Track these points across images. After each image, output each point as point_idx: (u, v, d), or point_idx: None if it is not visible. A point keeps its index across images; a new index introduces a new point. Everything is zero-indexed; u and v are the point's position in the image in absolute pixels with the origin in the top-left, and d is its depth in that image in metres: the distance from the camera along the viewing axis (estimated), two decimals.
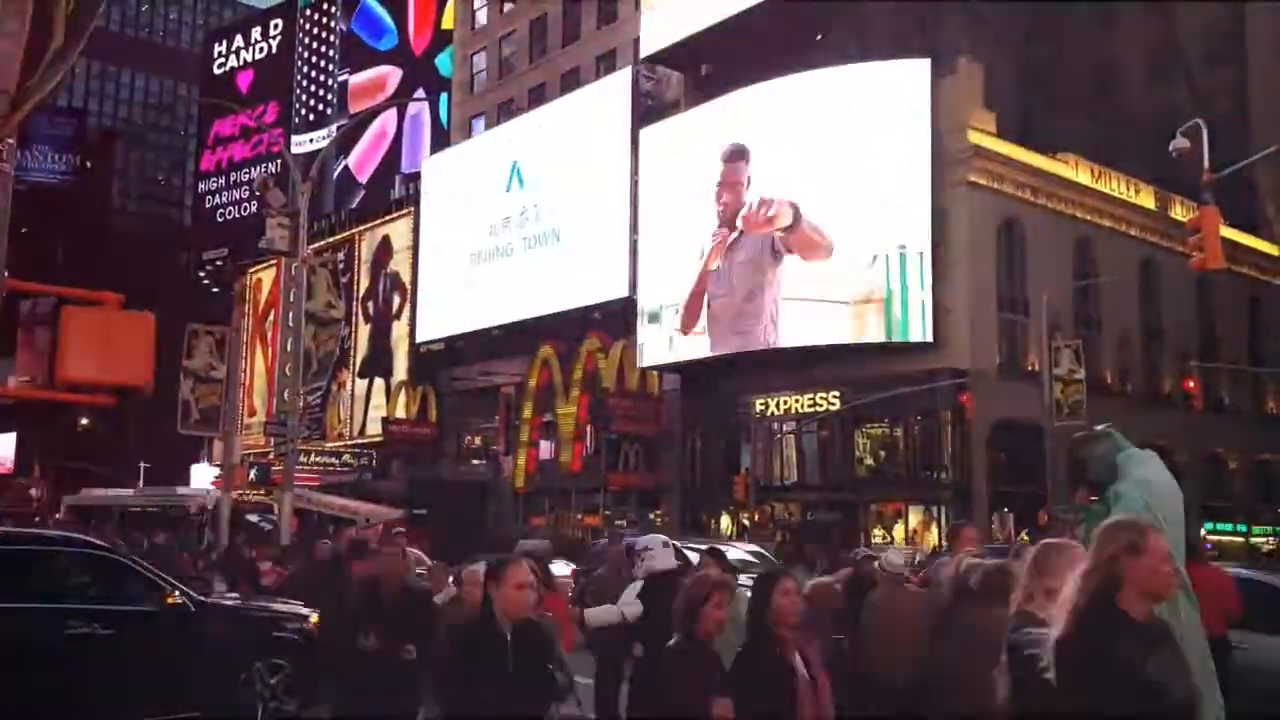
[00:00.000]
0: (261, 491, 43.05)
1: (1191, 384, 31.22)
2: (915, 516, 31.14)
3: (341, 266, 52.39)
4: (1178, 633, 4.88)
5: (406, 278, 48.48)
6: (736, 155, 32.95)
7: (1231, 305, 38.12)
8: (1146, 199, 35.90)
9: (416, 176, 50.20)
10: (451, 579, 8.24)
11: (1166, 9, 40.48)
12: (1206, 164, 17.03)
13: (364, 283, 51.27)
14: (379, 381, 49.34)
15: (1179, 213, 34.48)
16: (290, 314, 22.93)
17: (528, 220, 41.60)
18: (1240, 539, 36.02)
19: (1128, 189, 35.41)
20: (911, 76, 30.60)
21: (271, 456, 38.48)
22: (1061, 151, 33.95)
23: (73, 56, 4.67)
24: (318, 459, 44.26)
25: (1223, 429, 36.21)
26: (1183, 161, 19.73)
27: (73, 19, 4.59)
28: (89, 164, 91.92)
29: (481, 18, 50.82)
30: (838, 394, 31.42)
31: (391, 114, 55.05)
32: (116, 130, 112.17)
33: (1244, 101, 40.87)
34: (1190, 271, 18.99)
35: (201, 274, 66.86)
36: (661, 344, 35.27)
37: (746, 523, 32.06)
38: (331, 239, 52.38)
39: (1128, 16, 42.43)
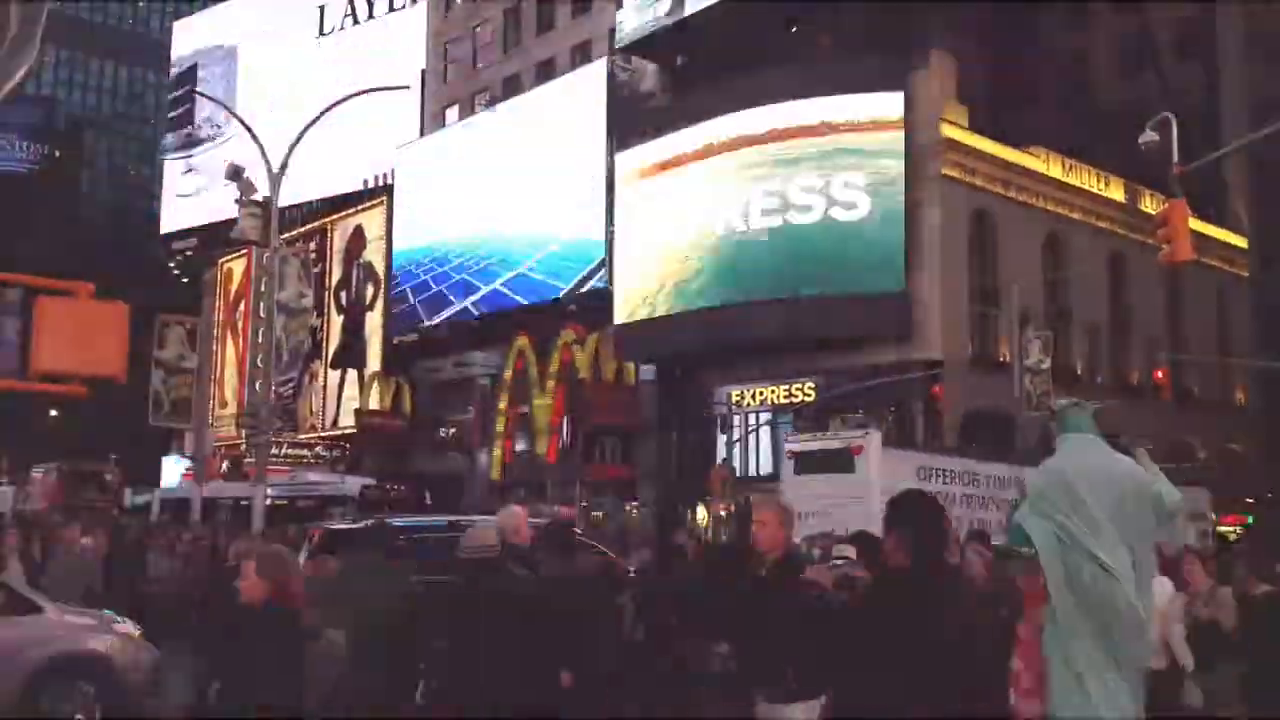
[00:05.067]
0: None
1: (1160, 375, 31.57)
2: None
3: (314, 256, 51.98)
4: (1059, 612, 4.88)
5: (380, 268, 48.19)
6: None
7: (1200, 297, 38.56)
8: (1116, 192, 36.23)
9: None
10: None
11: (1137, 5, 40.78)
12: (1176, 157, 17.20)
13: (336, 273, 50.94)
14: (352, 373, 49.05)
15: (1148, 205, 34.82)
16: (262, 304, 22.77)
17: (503, 211, 41.42)
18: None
19: (1098, 182, 35.72)
20: (884, 71, 30.81)
21: (243, 448, 38.25)
22: (1033, 145, 34.20)
23: (32, 44, 4.60)
24: (290, 451, 44.03)
25: (1190, 419, 36.64)
26: (1152, 155, 19.92)
27: (25, 5, 4.53)
28: (58, 153, 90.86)
29: (454, 7, 50.51)
30: (812, 385, 31.60)
31: None
32: (85, 118, 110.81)
33: (1214, 96, 41.29)
34: (1159, 264, 19.19)
35: (172, 264, 66.09)
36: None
37: (723, 514, 32.14)
38: (303, 228, 51.99)
39: (1099, 11, 42.73)
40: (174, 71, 58.25)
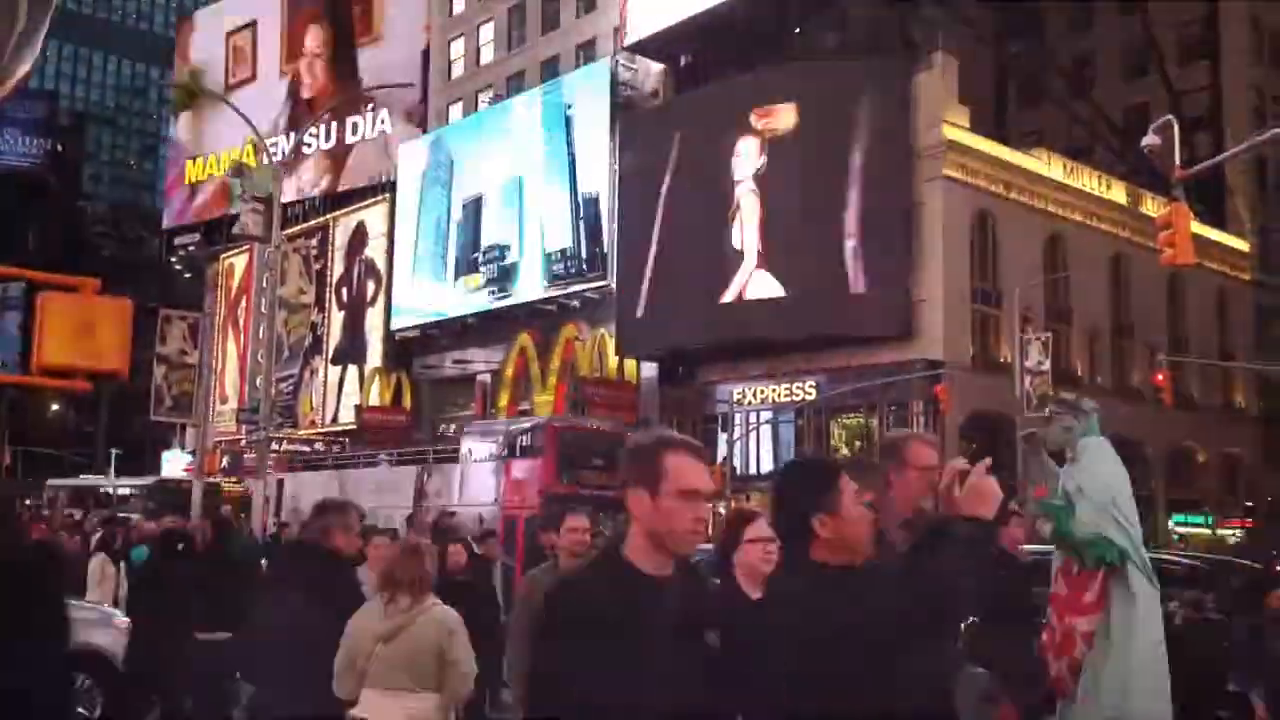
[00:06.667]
0: (234, 480, 42.89)
1: (1160, 378, 31.54)
2: None
3: (315, 253, 51.95)
4: (1133, 616, 4.87)
5: (381, 264, 48.21)
6: None
7: (1201, 300, 38.55)
8: (1118, 194, 36.23)
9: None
10: None
11: (1141, 6, 40.78)
12: (1178, 160, 17.18)
13: (338, 269, 50.95)
14: (352, 369, 49.06)
15: (1150, 208, 34.80)
16: (263, 300, 22.82)
17: (505, 208, 41.43)
18: (1207, 531, 36.49)
19: (1099, 184, 35.72)
20: (887, 72, 30.85)
21: (243, 444, 38.32)
22: (1034, 146, 34.22)
23: (39, 38, 4.62)
24: (290, 447, 43.99)
25: (1191, 423, 36.64)
26: (1154, 157, 19.91)
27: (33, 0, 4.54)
28: (60, 148, 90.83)
29: (459, 4, 50.44)
30: (814, 384, 31.64)
31: None
32: (88, 113, 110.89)
33: (1217, 99, 41.30)
34: (1160, 266, 19.20)
35: (173, 259, 66.07)
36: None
37: (722, 511, 32.17)
38: (305, 225, 51.97)
39: (1102, 13, 42.76)
40: None
